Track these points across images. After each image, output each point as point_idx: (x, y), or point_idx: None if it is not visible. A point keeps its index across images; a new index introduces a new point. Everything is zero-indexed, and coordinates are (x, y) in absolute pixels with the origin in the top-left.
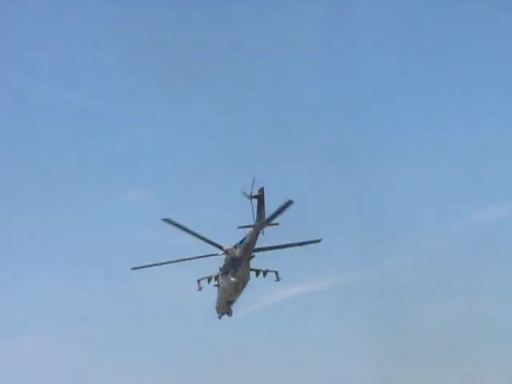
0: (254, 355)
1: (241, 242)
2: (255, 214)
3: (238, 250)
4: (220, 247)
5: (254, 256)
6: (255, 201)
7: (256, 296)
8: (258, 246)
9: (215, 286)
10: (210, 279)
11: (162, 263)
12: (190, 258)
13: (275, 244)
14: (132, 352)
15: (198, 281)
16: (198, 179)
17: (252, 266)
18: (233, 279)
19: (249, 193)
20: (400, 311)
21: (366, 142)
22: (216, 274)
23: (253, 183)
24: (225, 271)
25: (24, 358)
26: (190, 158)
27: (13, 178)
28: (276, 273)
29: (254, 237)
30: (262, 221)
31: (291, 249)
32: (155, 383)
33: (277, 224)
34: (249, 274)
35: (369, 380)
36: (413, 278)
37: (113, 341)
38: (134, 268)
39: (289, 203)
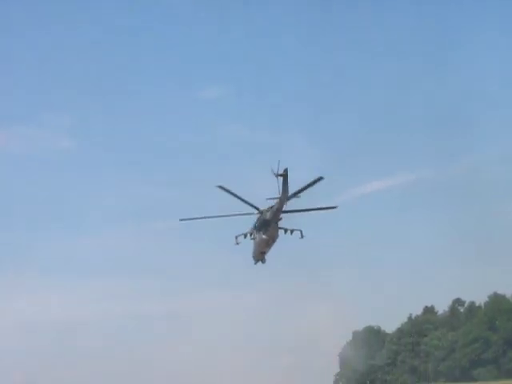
0: (332, 251)
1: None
2: (281, 189)
3: (268, 214)
4: (257, 208)
5: (281, 219)
6: (281, 179)
7: (332, 193)
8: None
9: (251, 239)
10: (245, 235)
11: (208, 217)
12: (232, 215)
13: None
14: (201, 242)
15: (236, 237)
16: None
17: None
18: (264, 236)
19: (275, 172)
20: (479, 207)
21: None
22: (251, 231)
23: (278, 164)
24: (258, 229)
25: (106, 249)
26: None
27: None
28: (301, 231)
29: (280, 206)
30: (286, 195)
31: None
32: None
33: (299, 197)
34: (277, 232)
35: (444, 273)
36: (488, 175)
37: (187, 233)
38: (182, 219)
39: (318, 179)
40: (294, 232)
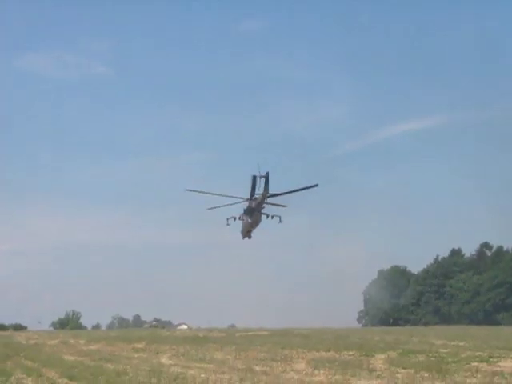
0: (363, 189)
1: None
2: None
3: (253, 203)
4: (247, 199)
5: (264, 207)
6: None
7: (364, 131)
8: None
9: (240, 220)
10: (235, 218)
11: (213, 193)
12: (230, 196)
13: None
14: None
15: (227, 219)
16: None
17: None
18: (249, 220)
19: (259, 174)
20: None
21: None
22: (240, 215)
23: (259, 169)
24: (246, 213)
25: (144, 177)
26: None
27: None
28: (279, 217)
29: (262, 200)
30: (266, 192)
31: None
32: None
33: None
34: (260, 217)
35: (473, 217)
36: None
37: (225, 165)
38: (188, 190)
39: (313, 186)
40: (275, 217)
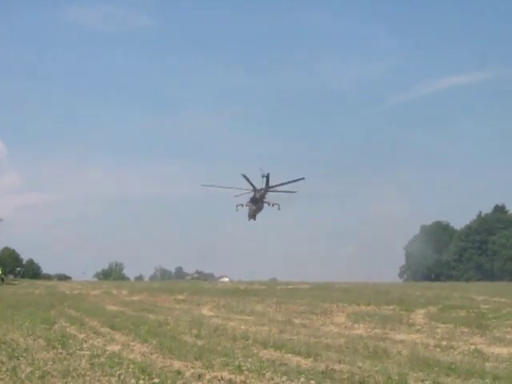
0: (407, 145)
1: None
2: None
3: (257, 194)
4: (253, 189)
5: (266, 197)
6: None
7: (409, 85)
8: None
9: (246, 206)
10: (242, 205)
11: (225, 187)
12: (240, 189)
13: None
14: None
15: (236, 206)
16: None
17: None
18: (254, 207)
19: (262, 173)
20: None
21: None
22: (247, 203)
23: (261, 170)
24: (252, 202)
25: (186, 129)
26: None
27: None
28: (278, 205)
29: (264, 193)
30: (267, 188)
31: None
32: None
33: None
34: (263, 205)
35: None
36: None
37: (268, 120)
38: (203, 185)
39: (300, 179)
40: (274, 205)
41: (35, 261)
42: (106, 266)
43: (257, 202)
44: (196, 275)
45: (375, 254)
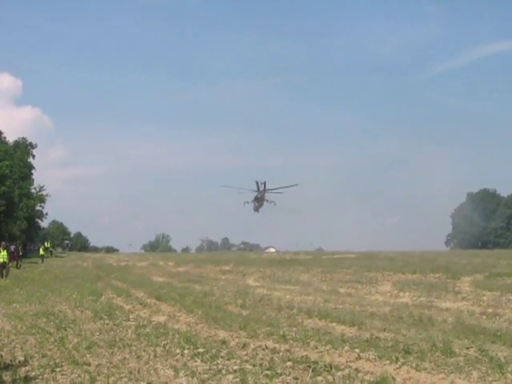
0: (453, 112)
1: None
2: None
3: (259, 195)
4: (257, 190)
5: (265, 198)
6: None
7: (454, 52)
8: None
9: (251, 203)
10: (248, 202)
11: (240, 188)
12: (247, 189)
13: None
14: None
15: (244, 203)
16: None
17: None
18: (257, 204)
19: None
20: None
21: None
22: (251, 201)
23: (260, 180)
24: (255, 200)
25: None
26: None
27: None
28: (274, 202)
29: (263, 195)
30: (265, 191)
31: None
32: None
33: (281, 192)
34: (263, 202)
35: None
36: None
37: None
38: (222, 186)
39: (294, 185)
40: (271, 202)
41: (83, 234)
42: (152, 239)
43: (258, 200)
44: (242, 246)
45: (422, 223)
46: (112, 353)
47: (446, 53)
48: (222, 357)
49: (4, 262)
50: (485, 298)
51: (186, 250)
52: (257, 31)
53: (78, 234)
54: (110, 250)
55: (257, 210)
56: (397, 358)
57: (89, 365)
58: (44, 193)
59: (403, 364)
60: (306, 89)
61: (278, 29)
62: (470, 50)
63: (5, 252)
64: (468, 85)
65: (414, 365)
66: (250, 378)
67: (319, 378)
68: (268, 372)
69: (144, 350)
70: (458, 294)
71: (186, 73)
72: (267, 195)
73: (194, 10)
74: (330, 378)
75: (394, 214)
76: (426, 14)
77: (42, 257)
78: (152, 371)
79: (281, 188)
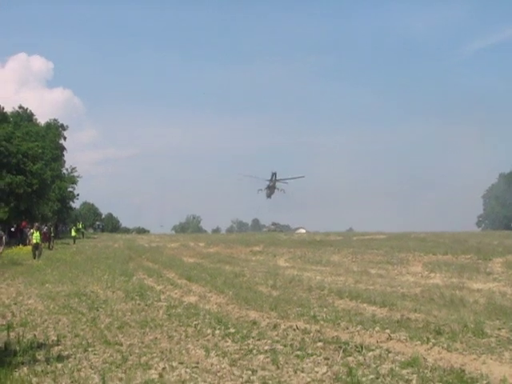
0: (483, 92)
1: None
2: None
3: (271, 184)
4: (271, 179)
5: (276, 186)
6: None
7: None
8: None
9: (264, 190)
10: (262, 189)
11: (256, 177)
12: (260, 178)
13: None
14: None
15: (258, 190)
16: None
17: None
18: (269, 191)
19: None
20: None
21: None
22: (264, 188)
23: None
24: (267, 188)
25: (259, 80)
26: None
27: None
28: (283, 190)
29: (274, 183)
30: (275, 181)
31: None
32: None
33: (286, 183)
34: (274, 191)
35: None
36: None
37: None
38: (239, 174)
39: (300, 177)
40: (281, 190)
41: (114, 215)
42: (183, 220)
43: (270, 188)
44: (272, 227)
45: (453, 204)
46: (143, 333)
47: (477, 32)
48: (252, 337)
49: (37, 243)
50: None
51: (216, 230)
52: (289, 11)
53: (109, 215)
54: (141, 231)
55: (269, 196)
56: (428, 339)
57: (121, 345)
58: (75, 174)
59: (434, 345)
60: (337, 70)
61: (311, 9)
62: (500, 30)
63: (38, 233)
64: (499, 64)
65: (445, 345)
66: (280, 358)
67: (350, 359)
68: (299, 352)
69: (175, 330)
70: (490, 274)
71: (219, 54)
72: (277, 184)
73: None
74: (360, 358)
75: (426, 195)
76: None
77: (74, 238)
78: (183, 351)
79: (288, 179)
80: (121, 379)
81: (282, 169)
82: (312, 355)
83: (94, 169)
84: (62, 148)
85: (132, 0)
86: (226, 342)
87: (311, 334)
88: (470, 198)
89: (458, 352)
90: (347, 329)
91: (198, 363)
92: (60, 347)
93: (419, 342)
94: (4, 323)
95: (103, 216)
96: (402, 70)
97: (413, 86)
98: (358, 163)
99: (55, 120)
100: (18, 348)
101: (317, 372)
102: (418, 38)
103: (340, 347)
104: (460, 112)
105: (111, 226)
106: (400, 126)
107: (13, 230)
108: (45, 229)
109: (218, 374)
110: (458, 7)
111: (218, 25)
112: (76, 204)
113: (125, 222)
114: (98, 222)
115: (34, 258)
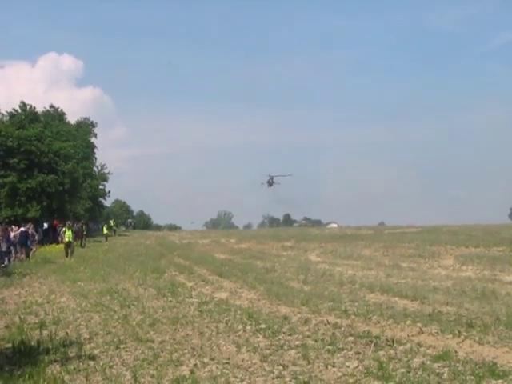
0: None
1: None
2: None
3: (270, 180)
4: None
5: (274, 181)
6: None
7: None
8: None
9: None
10: (263, 183)
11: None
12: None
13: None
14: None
15: (261, 183)
16: None
17: None
18: (267, 185)
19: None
20: None
21: None
22: (265, 182)
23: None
24: (267, 182)
25: (286, 76)
26: None
27: None
28: (279, 183)
29: (272, 179)
30: (272, 178)
31: None
32: None
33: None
34: (273, 184)
35: None
36: None
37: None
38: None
39: (289, 174)
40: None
41: (145, 212)
42: (214, 216)
43: (269, 181)
44: (304, 222)
45: (485, 196)
46: (175, 329)
47: (507, 24)
48: (283, 332)
49: (69, 241)
50: None
51: (247, 226)
52: (318, 7)
53: (141, 213)
54: (173, 227)
55: (271, 184)
56: (459, 332)
57: (152, 341)
58: (106, 171)
59: (466, 338)
60: (367, 64)
61: (339, 4)
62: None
63: (70, 231)
64: None
65: (476, 338)
66: (311, 353)
67: (381, 353)
68: (330, 347)
69: (206, 327)
70: None
71: (244, 51)
72: (275, 179)
73: None
74: (392, 352)
75: (458, 187)
76: None
77: (106, 235)
78: (215, 347)
79: (282, 175)
80: (152, 376)
81: (313, 165)
82: (343, 350)
83: (125, 166)
84: (93, 146)
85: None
86: (257, 337)
87: (342, 329)
88: (503, 189)
89: (489, 345)
90: (378, 323)
91: (229, 359)
92: (92, 345)
93: (451, 336)
94: (37, 321)
95: (135, 213)
96: (432, 64)
97: (443, 79)
98: (390, 157)
99: (86, 118)
100: (50, 346)
101: (348, 366)
102: (449, 31)
103: (371, 341)
104: (493, 104)
105: (143, 223)
106: (432, 118)
107: (45, 228)
108: (77, 227)
109: (249, 370)
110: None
111: (244, 20)
112: (107, 202)
113: (156, 219)
114: (129, 220)
115: (67, 256)
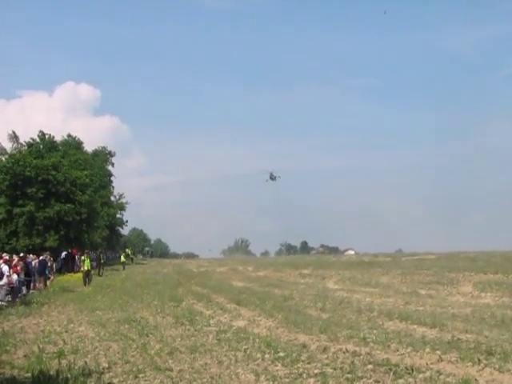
0: None
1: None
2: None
3: (271, 175)
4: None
5: (274, 176)
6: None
7: None
8: None
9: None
10: (268, 180)
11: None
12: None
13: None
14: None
15: (266, 180)
16: None
17: None
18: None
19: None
20: None
21: None
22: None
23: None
24: (270, 178)
25: (300, 104)
26: None
27: None
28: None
29: (272, 175)
30: (272, 174)
31: None
32: None
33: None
34: (275, 180)
35: None
36: None
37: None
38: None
39: (277, 176)
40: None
41: (163, 240)
42: (231, 243)
43: (271, 177)
44: (321, 249)
45: (503, 222)
46: (193, 358)
47: None
48: (302, 361)
49: (88, 270)
50: None
51: (265, 254)
52: (330, 33)
53: (158, 241)
54: (190, 255)
55: (272, 179)
56: (479, 360)
57: (171, 370)
58: (123, 200)
59: (486, 366)
60: (382, 91)
61: (352, 30)
62: None
63: (88, 260)
64: None
65: (497, 366)
66: (330, 382)
67: (400, 381)
68: (349, 375)
69: (225, 355)
70: None
71: (259, 79)
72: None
73: (265, 13)
74: (411, 380)
75: (475, 213)
76: (501, 11)
77: (124, 264)
78: (233, 376)
79: (275, 177)
80: None
81: (330, 191)
82: (362, 378)
83: (142, 195)
84: (110, 174)
85: (179, 27)
86: (276, 365)
87: (361, 357)
88: None
89: (510, 373)
90: (397, 351)
91: None
92: (111, 374)
93: (470, 363)
94: (55, 350)
95: (152, 241)
96: (447, 89)
97: (456, 104)
98: (403, 184)
99: (103, 147)
100: (69, 375)
101: None
102: (463, 55)
103: (390, 369)
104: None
105: (160, 251)
106: (446, 143)
107: (63, 257)
108: (94, 255)
109: None
110: (502, 24)
111: (259, 48)
112: (125, 230)
113: (174, 247)
114: (147, 248)
115: (85, 284)
